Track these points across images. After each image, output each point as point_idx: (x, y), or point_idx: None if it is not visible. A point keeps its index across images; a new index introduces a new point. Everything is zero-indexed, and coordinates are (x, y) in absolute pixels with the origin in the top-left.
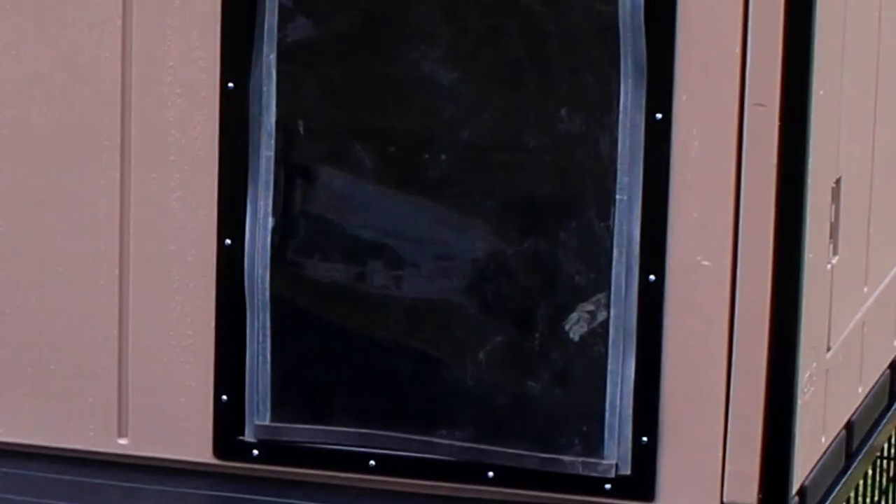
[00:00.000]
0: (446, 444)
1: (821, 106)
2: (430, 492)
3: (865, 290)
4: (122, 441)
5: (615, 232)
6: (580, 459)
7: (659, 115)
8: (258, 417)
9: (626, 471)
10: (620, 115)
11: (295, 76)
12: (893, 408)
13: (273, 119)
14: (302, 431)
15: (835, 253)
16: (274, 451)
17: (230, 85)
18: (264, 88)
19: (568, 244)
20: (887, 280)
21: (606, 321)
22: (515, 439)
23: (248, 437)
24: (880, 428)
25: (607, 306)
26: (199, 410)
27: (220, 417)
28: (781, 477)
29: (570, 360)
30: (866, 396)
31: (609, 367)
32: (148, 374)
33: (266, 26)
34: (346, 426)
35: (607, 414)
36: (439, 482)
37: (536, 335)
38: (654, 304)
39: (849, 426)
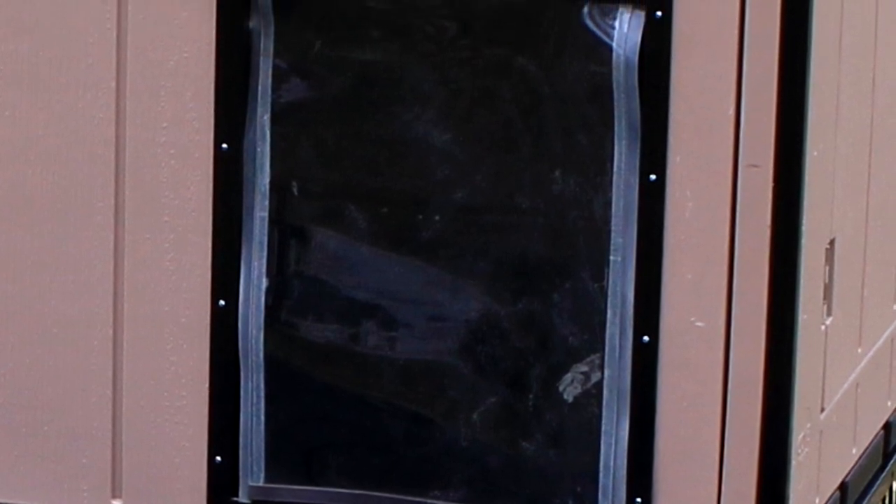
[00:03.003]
0: None
1: (815, 167)
2: None
3: (859, 350)
4: (116, 502)
5: (609, 293)
6: None
7: (653, 177)
8: (252, 478)
9: None
10: (614, 177)
11: (289, 137)
12: (887, 469)
13: (267, 180)
14: (296, 492)
15: (829, 314)
16: None
17: (224, 146)
18: (258, 149)
19: (562, 305)
20: (881, 341)
21: (600, 382)
22: (509, 500)
23: (242, 498)
24: (874, 489)
25: (601, 367)
26: (192, 471)
27: (213, 478)
28: None
29: (563, 420)
30: (860, 457)
31: (603, 428)
32: (142, 434)
33: (260, 88)
34: (339, 487)
35: (601, 475)
36: None
37: (530, 396)
38: (648, 364)
39: (843, 487)
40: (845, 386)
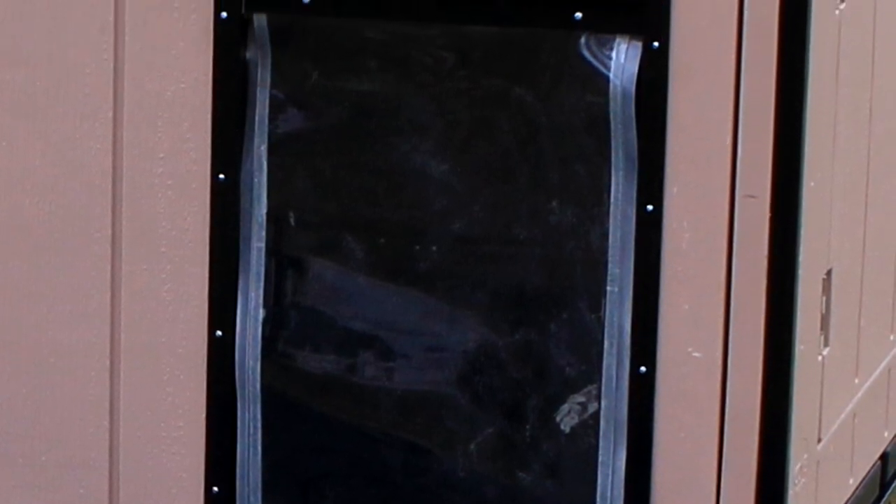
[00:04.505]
0: None
1: (811, 197)
2: None
3: (856, 381)
4: None
5: (606, 323)
6: None
7: (650, 207)
8: None
9: None
10: (611, 207)
11: (286, 168)
12: (884, 499)
13: (264, 210)
14: None
15: (826, 344)
16: None
17: (221, 176)
18: (255, 180)
19: (559, 336)
20: (878, 371)
21: (597, 413)
22: None
23: None
24: None
25: (598, 398)
26: (190, 502)
27: None
28: None
29: (561, 451)
30: (857, 488)
31: (600, 459)
32: (139, 465)
33: (257, 118)
34: None
35: None
36: None
37: (527, 427)
38: (645, 395)
39: None
40: (842, 416)
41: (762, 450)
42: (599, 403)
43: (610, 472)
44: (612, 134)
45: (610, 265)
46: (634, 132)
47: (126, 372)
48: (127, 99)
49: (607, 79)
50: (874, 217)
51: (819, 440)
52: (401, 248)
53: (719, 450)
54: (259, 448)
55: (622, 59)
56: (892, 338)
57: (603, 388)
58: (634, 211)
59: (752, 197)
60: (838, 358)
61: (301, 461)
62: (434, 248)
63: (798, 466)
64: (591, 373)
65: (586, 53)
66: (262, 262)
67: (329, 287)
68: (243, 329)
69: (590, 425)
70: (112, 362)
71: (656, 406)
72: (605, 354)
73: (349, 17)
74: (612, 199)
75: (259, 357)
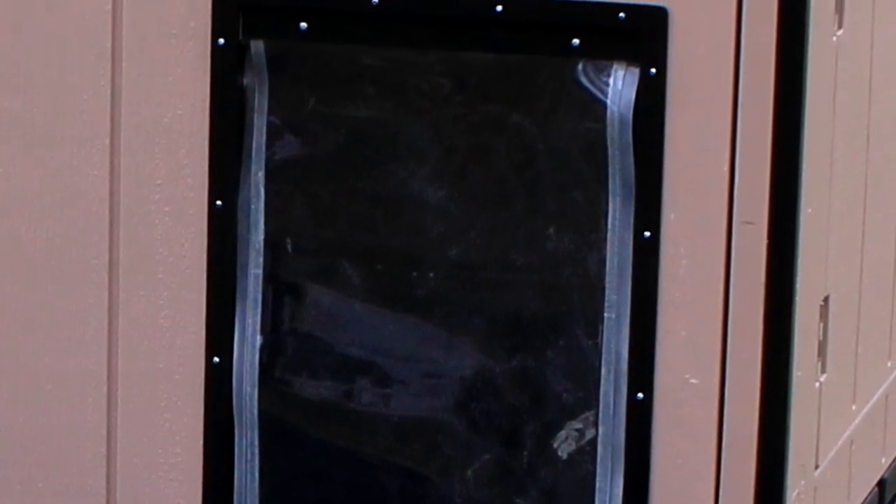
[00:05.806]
0: None
1: (809, 224)
2: None
3: (854, 407)
4: None
5: (603, 350)
6: None
7: (647, 234)
8: None
9: None
10: (608, 233)
11: (283, 194)
12: None
13: (261, 237)
14: None
15: (823, 371)
16: None
17: (218, 203)
18: (252, 206)
19: (556, 362)
20: (875, 398)
21: (595, 439)
22: None
23: None
24: None
25: (595, 424)
26: None
27: None
28: None
29: (558, 478)
30: None
31: (597, 486)
32: (136, 492)
33: (254, 145)
34: None
35: None
36: None
37: (524, 453)
38: (643, 422)
39: None
40: (840, 443)
41: (759, 476)
42: (597, 430)
43: (607, 499)
44: (610, 160)
45: (607, 291)
46: (632, 158)
47: (123, 399)
48: (124, 125)
49: (605, 105)
50: (871, 243)
51: (816, 466)
52: (398, 274)
53: (717, 476)
54: (256, 474)
55: (619, 86)
56: (889, 364)
57: (600, 415)
58: (632, 237)
59: (750, 223)
60: (835, 384)
61: (298, 487)
62: (431, 274)
63: (795, 493)
64: (588, 399)
65: (583, 80)
66: (260, 288)
67: (326, 313)
68: (241, 355)
69: (587, 452)
70: (109, 389)
71: (654, 432)
72: (602, 381)
73: (346, 44)
74: (609, 226)
75: (256, 383)
